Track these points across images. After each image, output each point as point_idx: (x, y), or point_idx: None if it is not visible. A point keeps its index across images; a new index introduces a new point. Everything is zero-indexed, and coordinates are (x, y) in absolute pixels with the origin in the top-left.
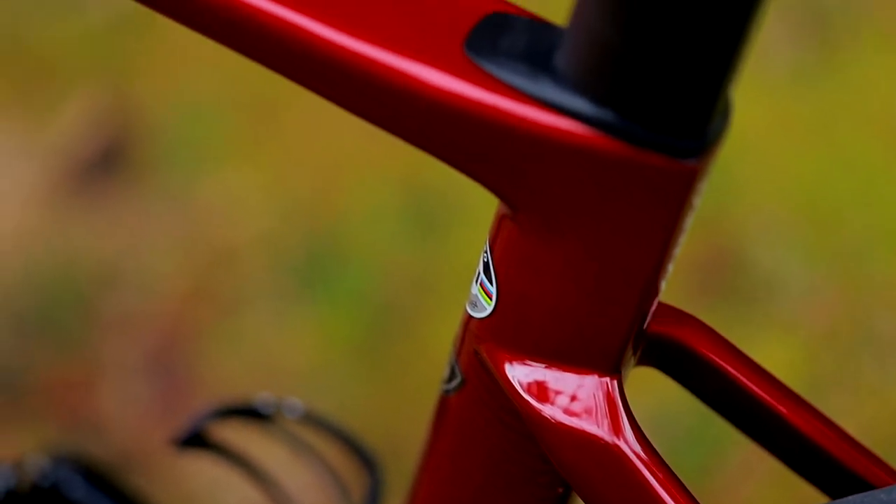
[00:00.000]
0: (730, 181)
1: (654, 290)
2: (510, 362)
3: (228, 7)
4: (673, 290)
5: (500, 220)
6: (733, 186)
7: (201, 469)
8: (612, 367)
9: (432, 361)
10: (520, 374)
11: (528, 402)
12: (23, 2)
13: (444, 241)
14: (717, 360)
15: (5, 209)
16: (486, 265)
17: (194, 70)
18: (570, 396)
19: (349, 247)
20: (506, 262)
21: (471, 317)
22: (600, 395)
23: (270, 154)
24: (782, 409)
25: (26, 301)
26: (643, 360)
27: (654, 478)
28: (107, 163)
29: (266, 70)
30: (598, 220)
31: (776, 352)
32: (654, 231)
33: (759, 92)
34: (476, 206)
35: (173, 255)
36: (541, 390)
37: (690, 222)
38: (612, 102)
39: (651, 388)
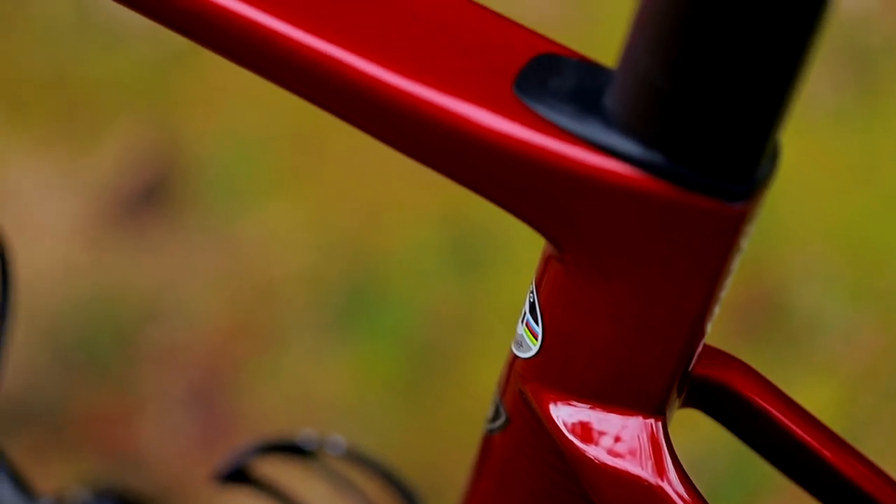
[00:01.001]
0: (771, 222)
1: (700, 333)
2: (555, 402)
3: (277, 42)
4: (712, 330)
5: (546, 261)
6: (775, 227)
7: None
8: (656, 409)
9: (473, 398)
10: (564, 414)
11: (572, 442)
12: (67, 35)
13: (485, 279)
14: (761, 402)
15: (48, 242)
16: (532, 305)
17: (238, 105)
18: (614, 437)
19: (390, 283)
20: (552, 302)
21: (516, 357)
22: (645, 437)
23: (313, 189)
24: (826, 452)
25: (68, 334)
26: (688, 402)
27: None
28: (149, 196)
29: (310, 105)
30: (645, 262)
31: (816, 393)
32: (702, 273)
33: (802, 134)
34: (517, 244)
35: (215, 289)
36: (585, 431)
37: (737, 264)
38: (661, 145)
39: (694, 428)
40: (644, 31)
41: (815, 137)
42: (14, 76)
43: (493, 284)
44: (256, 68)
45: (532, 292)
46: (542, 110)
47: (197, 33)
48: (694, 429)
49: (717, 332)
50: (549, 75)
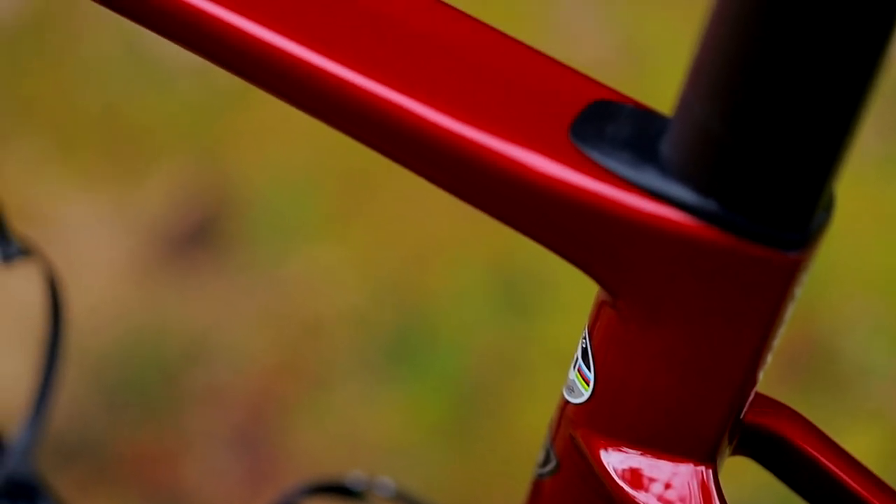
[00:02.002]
0: (818, 268)
1: (753, 381)
2: (606, 448)
3: (333, 83)
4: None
5: (599, 307)
6: (821, 274)
7: None
8: (707, 456)
9: (520, 442)
10: (615, 460)
11: (622, 488)
12: (117, 72)
13: (534, 322)
14: (812, 451)
15: (95, 280)
16: (584, 351)
17: (288, 144)
18: (664, 484)
19: (438, 325)
20: (604, 348)
21: (567, 402)
22: (695, 484)
23: (361, 230)
24: (875, 501)
25: (115, 371)
26: (738, 450)
27: None
28: (197, 236)
29: (359, 146)
30: (699, 310)
31: (863, 440)
32: (755, 322)
33: (848, 183)
34: (567, 288)
35: (262, 329)
36: (635, 477)
37: (791, 313)
38: (717, 193)
39: (741, 474)
40: (700, 79)
41: (861, 185)
42: (64, 112)
43: (542, 328)
44: (312, 110)
45: (585, 338)
46: (599, 157)
47: (249, 72)
48: (741, 475)
49: (764, 377)
50: (606, 122)
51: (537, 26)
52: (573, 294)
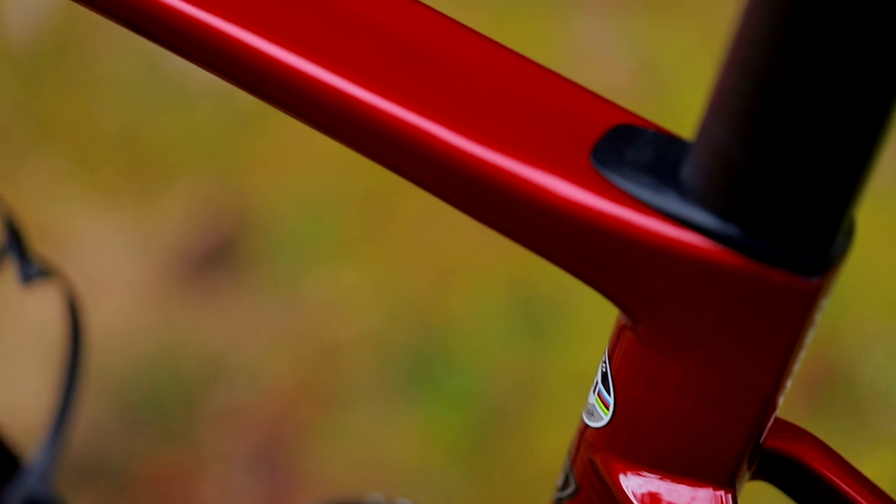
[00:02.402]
0: (837, 293)
1: (773, 406)
2: (625, 473)
3: (351, 104)
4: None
5: (619, 331)
6: (841, 299)
7: None
8: (727, 481)
9: (539, 465)
10: (634, 484)
11: None
12: (137, 91)
13: (553, 345)
14: (831, 476)
15: (114, 299)
16: (604, 375)
17: (307, 167)
18: None
19: (457, 347)
20: (624, 372)
21: (587, 426)
22: None
23: (380, 252)
24: None
25: (133, 392)
26: (757, 474)
27: None
28: (216, 256)
29: (378, 168)
30: (719, 335)
31: (881, 465)
32: (775, 347)
33: (866, 206)
34: (585, 311)
35: (280, 350)
36: (655, 502)
37: (810, 338)
38: (738, 218)
39: (757, 497)
40: (721, 104)
41: (878, 209)
42: (84, 132)
43: (561, 351)
44: (333, 132)
45: (605, 362)
46: (620, 181)
47: (272, 95)
48: (760, 499)
49: (783, 401)
50: (626, 146)
51: (555, 48)
52: (592, 317)
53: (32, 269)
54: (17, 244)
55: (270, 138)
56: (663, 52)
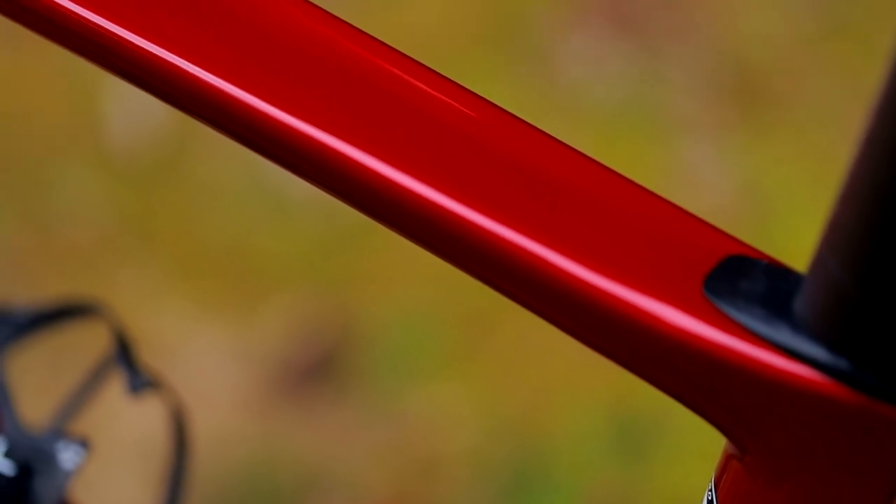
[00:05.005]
0: None
1: None
2: None
3: (471, 232)
4: None
5: (726, 460)
6: None
7: None
8: None
9: None
10: None
11: None
12: (237, 201)
13: (652, 467)
14: None
15: (212, 410)
16: (709, 503)
17: (409, 283)
18: None
19: (555, 467)
20: (730, 502)
21: None
22: None
23: (480, 369)
24: None
25: (230, 501)
26: None
27: None
28: (317, 369)
29: (480, 285)
30: (828, 467)
31: None
32: (885, 480)
33: None
34: (684, 435)
35: (378, 464)
36: None
37: None
38: (849, 351)
39: None
40: (836, 237)
41: None
42: (186, 241)
43: (659, 473)
44: (446, 254)
45: (710, 490)
46: (732, 312)
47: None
48: None
49: None
50: (740, 277)
51: (658, 171)
52: (692, 441)
53: (140, 380)
54: (126, 355)
55: (374, 252)
56: (767, 176)
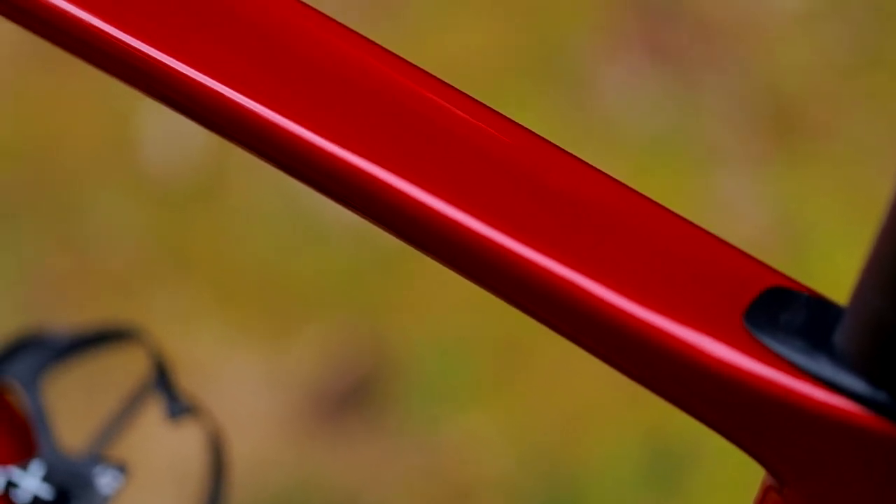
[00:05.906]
0: None
1: None
2: None
3: (509, 260)
4: None
5: (765, 492)
6: None
7: None
8: None
9: None
10: None
11: None
12: (272, 226)
13: (686, 499)
14: None
15: (246, 435)
16: None
17: (444, 311)
18: None
19: (588, 496)
20: None
21: None
22: None
23: (514, 397)
24: None
25: None
26: None
27: None
28: (351, 396)
29: (515, 312)
30: (868, 500)
31: None
32: None
33: None
34: (719, 464)
35: (411, 491)
36: None
37: None
38: (889, 385)
39: None
40: (878, 271)
41: None
42: (221, 266)
43: (694, 503)
44: (484, 283)
45: None
46: (773, 344)
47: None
48: None
49: None
50: (780, 309)
51: (695, 201)
52: (726, 471)
53: (179, 406)
54: (165, 380)
55: (409, 279)
56: (804, 208)
